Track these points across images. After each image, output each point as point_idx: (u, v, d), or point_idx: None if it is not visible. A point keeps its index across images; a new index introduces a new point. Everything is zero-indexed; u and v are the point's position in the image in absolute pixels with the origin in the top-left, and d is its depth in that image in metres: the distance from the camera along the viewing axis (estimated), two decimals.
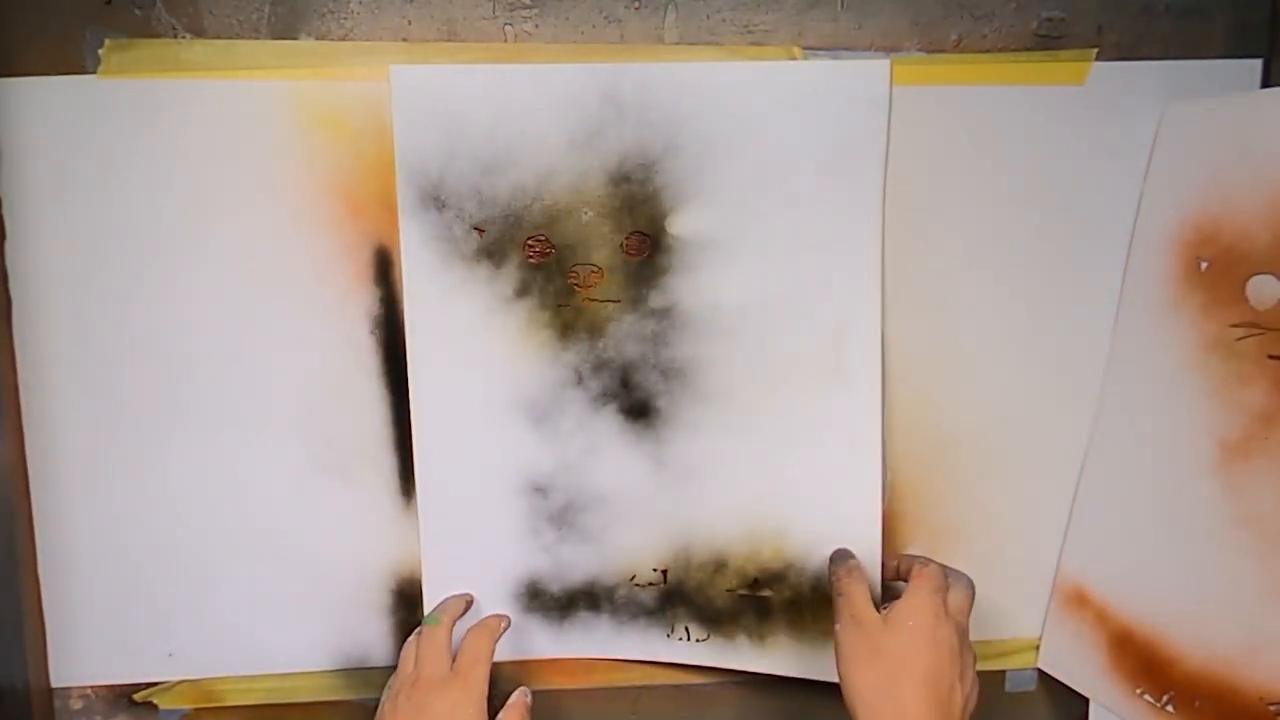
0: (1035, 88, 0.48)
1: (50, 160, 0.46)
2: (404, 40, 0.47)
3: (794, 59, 0.47)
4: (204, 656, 0.51)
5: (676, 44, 0.48)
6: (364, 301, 0.48)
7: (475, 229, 0.46)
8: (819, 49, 0.48)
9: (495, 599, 0.50)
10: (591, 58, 0.47)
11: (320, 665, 0.51)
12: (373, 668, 0.51)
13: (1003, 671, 0.54)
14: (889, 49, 0.48)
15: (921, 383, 0.50)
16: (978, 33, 0.48)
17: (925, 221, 0.48)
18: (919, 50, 0.48)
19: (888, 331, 0.48)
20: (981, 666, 0.44)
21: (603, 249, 0.47)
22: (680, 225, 0.46)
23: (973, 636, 0.44)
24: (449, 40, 0.47)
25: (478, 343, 0.48)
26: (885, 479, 0.49)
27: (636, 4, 0.47)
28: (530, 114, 0.45)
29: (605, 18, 0.48)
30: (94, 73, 0.46)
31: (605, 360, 0.48)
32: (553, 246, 0.47)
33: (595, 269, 0.47)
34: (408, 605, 0.51)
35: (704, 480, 0.49)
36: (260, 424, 0.49)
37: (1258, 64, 0.48)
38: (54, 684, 0.50)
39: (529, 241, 0.47)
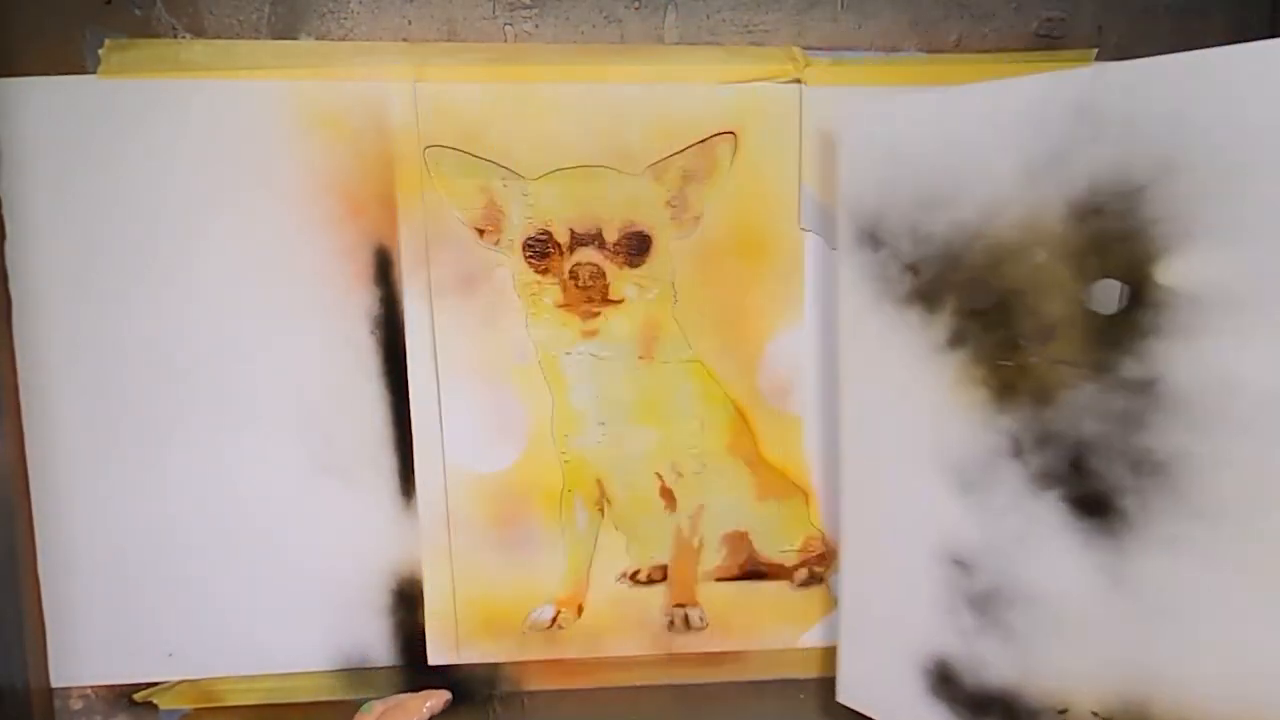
0: None
1: (50, 160, 0.46)
2: (404, 40, 0.47)
3: (794, 59, 0.47)
4: (204, 656, 0.51)
5: (676, 44, 0.48)
6: (364, 301, 0.48)
7: (909, 268, 0.41)
8: (819, 49, 0.48)
9: (904, 669, 0.44)
10: (591, 58, 0.47)
11: (320, 665, 0.51)
12: (373, 668, 0.51)
13: None
14: (889, 49, 0.48)
15: None
16: (978, 33, 0.48)
17: None
18: (919, 50, 0.48)
19: None
20: None
21: (1058, 298, 0.38)
22: (1176, 273, 0.34)
23: None
24: (449, 40, 0.47)
25: (904, 393, 0.42)
26: None
27: (636, 4, 0.48)
28: (980, 137, 0.39)
29: (605, 18, 0.48)
30: (94, 73, 0.46)
31: (1053, 434, 0.39)
32: (995, 292, 0.39)
33: (1047, 322, 0.38)
34: (407, 605, 0.51)
35: (1182, 620, 0.36)
36: (260, 424, 0.49)
37: None
38: (54, 684, 0.50)
39: (966, 285, 0.40)
